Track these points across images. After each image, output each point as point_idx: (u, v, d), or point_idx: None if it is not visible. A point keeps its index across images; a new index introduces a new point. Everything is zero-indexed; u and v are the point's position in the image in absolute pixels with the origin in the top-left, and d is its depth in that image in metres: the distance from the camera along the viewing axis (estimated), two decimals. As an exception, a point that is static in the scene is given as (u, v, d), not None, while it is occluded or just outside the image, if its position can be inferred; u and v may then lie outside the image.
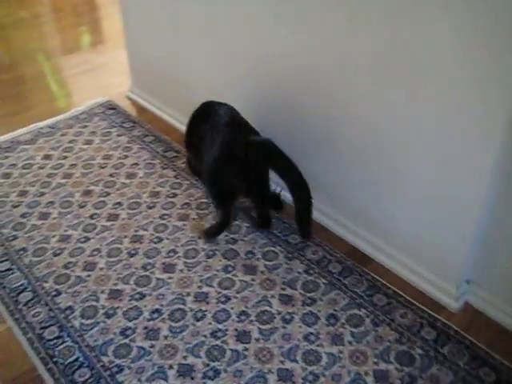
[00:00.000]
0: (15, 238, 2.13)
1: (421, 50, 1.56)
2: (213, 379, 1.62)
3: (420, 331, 1.75)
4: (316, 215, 2.16)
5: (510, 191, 1.59)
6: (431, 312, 1.82)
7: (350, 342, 1.72)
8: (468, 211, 1.65)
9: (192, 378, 1.62)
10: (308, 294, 1.87)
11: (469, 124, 1.53)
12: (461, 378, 1.61)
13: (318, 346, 1.71)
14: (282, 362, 1.66)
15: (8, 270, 2.00)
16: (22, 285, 1.94)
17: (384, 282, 1.92)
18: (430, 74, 1.56)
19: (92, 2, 4.85)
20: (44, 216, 2.23)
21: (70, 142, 2.69)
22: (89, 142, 2.68)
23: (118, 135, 2.73)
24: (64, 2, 4.81)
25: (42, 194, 2.35)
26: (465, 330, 1.76)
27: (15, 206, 2.29)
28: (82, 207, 2.27)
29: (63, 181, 2.43)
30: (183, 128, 2.71)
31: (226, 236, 2.10)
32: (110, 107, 2.98)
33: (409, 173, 1.78)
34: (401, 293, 1.88)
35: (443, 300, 1.85)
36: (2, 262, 2.03)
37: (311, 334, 1.75)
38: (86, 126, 2.81)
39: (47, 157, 2.59)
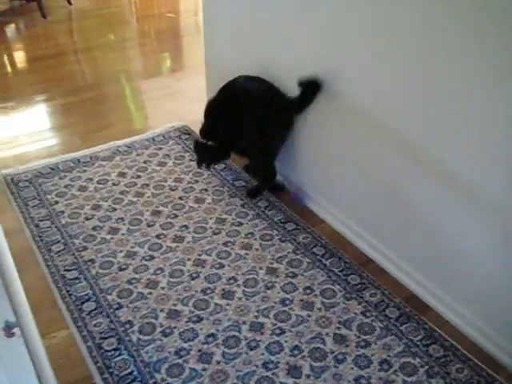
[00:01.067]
0: (85, 248, 2.23)
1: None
2: (261, 410, 1.64)
3: (477, 390, 1.71)
4: (377, 257, 2.17)
5: None
6: (489, 371, 1.77)
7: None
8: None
9: (240, 406, 1.65)
10: (363, 337, 1.86)
11: None
12: None
13: (368, 391, 1.70)
14: (330, 402, 1.66)
15: (75, 278, 2.09)
16: (87, 294, 2.02)
17: (442, 333, 1.89)
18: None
19: (176, 29, 5.07)
20: (114, 231, 2.33)
21: (145, 162, 2.80)
22: (162, 164, 2.79)
23: (191, 160, 2.82)
24: (150, 28, 5.05)
25: (114, 210, 2.45)
26: (524, 392, 1.70)
27: (88, 219, 2.39)
28: (150, 226, 2.36)
29: (135, 199, 2.53)
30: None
31: (287, 270, 2.12)
32: (186, 132, 3.09)
33: (472, 226, 1.76)
34: (458, 346, 1.84)
35: (504, 360, 1.80)
36: (71, 270, 2.13)
37: (362, 377, 1.73)
38: (160, 149, 2.92)
39: (122, 174, 2.70)
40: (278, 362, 1.77)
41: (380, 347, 1.83)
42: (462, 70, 1.63)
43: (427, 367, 1.77)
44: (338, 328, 1.89)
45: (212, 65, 3.02)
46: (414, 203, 1.96)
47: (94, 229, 2.34)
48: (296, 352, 1.81)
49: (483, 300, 1.83)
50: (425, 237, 1.97)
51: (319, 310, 1.96)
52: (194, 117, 3.23)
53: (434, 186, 1.85)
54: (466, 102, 1.65)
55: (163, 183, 2.64)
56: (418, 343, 1.85)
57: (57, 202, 2.49)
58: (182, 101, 3.51)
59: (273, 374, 1.74)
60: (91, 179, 2.67)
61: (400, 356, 1.81)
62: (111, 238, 2.28)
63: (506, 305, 1.75)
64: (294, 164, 2.53)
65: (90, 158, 2.84)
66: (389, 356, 1.80)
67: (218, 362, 1.77)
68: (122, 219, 2.39)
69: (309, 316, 1.94)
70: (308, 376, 1.73)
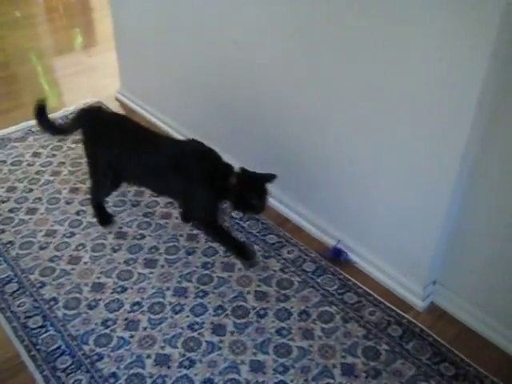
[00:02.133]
0: (3, 231, 2.21)
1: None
2: (188, 368, 1.71)
3: (387, 328, 1.85)
4: (292, 215, 2.27)
5: (473, 197, 1.69)
6: (399, 311, 1.91)
7: (319, 337, 1.81)
8: (433, 216, 1.75)
9: (168, 367, 1.71)
10: (282, 291, 1.97)
11: (434, 130, 1.62)
12: (423, 372, 1.71)
13: (289, 339, 1.80)
14: (254, 354, 1.75)
15: (-5, 261, 2.08)
16: (8, 276, 2.02)
17: (355, 281, 2.02)
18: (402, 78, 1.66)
19: (86, 3, 4.93)
20: (32, 211, 2.31)
21: (59, 140, 2.77)
22: (77, 142, 2.75)
23: (107, 135, 2.81)
24: (58, 2, 4.89)
25: (31, 190, 2.43)
26: (429, 328, 1.86)
27: (3, 202, 2.36)
28: (68, 204, 2.36)
29: (51, 178, 2.51)
30: (170, 131, 2.82)
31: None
32: (100, 108, 3.06)
33: (379, 179, 1.88)
34: (371, 292, 1.98)
35: (411, 300, 1.95)
36: (-11, 254, 2.11)
37: (283, 328, 1.84)
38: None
39: (36, 154, 2.67)
40: (203, 323, 1.85)
41: (299, 300, 1.94)
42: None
43: (343, 313, 1.90)
44: (259, 285, 1.99)
45: (122, 39, 3.00)
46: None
47: (10, 211, 2.31)
48: (219, 311, 1.89)
49: (392, 248, 1.96)
50: (336, 189, 2.08)
51: (239, 270, 2.05)
52: (108, 92, 3.22)
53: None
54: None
55: (80, 160, 2.62)
56: (334, 292, 1.97)
57: (-30, 187, 2.44)
58: (95, 77, 3.46)
59: (198, 334, 1.81)
60: (4, 161, 2.62)
61: (317, 306, 1.92)
62: (30, 219, 2.27)
63: (412, 251, 1.89)
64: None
65: (2, 139, 2.78)
66: (307, 307, 1.91)
67: (145, 328, 1.83)
68: (40, 199, 2.38)
69: (230, 277, 2.02)
70: (232, 332, 1.82)
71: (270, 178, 1.96)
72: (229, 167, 1.99)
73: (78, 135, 2.76)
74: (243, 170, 1.97)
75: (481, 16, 1.38)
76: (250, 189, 1.94)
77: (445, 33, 1.47)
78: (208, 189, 1.95)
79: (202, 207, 2.01)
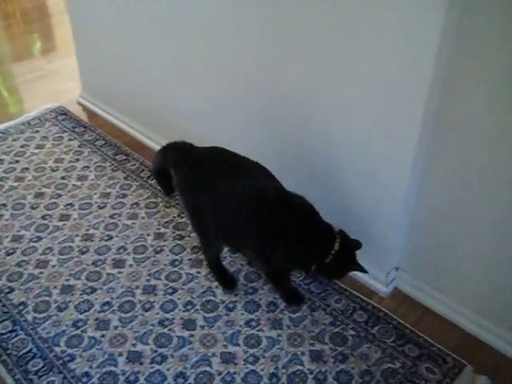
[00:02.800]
0: (-33, 239, 2.20)
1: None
2: (160, 364, 1.74)
3: (352, 314, 1.91)
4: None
5: (431, 183, 1.76)
6: (363, 297, 1.98)
7: (288, 326, 1.86)
8: (393, 203, 1.81)
9: (141, 364, 1.74)
10: (250, 284, 2.01)
11: (391, 100, 1.65)
12: (388, 354, 1.77)
13: (258, 330, 1.84)
14: (224, 346, 1.79)
15: (-39, 269, 2.07)
16: (-25, 283, 2.02)
17: (321, 271, 2.07)
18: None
19: (43, 9, 4.88)
20: (-4, 218, 2.31)
21: (22, 146, 2.76)
22: (40, 147, 2.76)
23: (70, 140, 2.81)
24: (15, 8, 4.83)
25: (-5, 197, 2.42)
26: (393, 312, 1.92)
27: (-33, 210, 2.35)
28: (34, 208, 2.35)
29: (15, 184, 2.50)
30: (133, 132, 2.84)
31: (173, 233, 2.22)
32: (62, 113, 3.06)
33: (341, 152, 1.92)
34: (336, 281, 2.03)
35: (375, 286, 2.01)
36: (-45, 262, 2.10)
37: (252, 320, 1.88)
38: (37, 132, 2.88)
39: (-1, 161, 2.66)
40: (173, 319, 1.88)
41: (266, 291, 1.98)
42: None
43: (310, 303, 1.95)
44: (227, 279, 2.02)
45: (81, 42, 3.00)
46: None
47: (-26, 218, 2.30)
48: (189, 307, 1.92)
49: (355, 236, 2.01)
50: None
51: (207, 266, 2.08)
52: (70, 97, 3.22)
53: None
54: None
55: (43, 165, 2.62)
56: (301, 283, 2.02)
57: None
58: (55, 82, 3.45)
59: (169, 329, 1.84)
60: (-34, 169, 2.60)
61: (285, 297, 1.97)
62: (-5, 226, 2.27)
63: (374, 239, 1.94)
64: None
65: (-37, 148, 2.76)
66: (275, 298, 1.95)
67: (116, 327, 1.85)
68: (4, 205, 2.37)
69: (198, 273, 2.05)
70: (202, 327, 1.85)
71: (359, 245, 1.83)
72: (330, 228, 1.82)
73: (41, 140, 2.78)
74: (342, 234, 1.82)
75: None
76: (350, 258, 1.83)
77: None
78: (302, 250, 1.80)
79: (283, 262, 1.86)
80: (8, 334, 1.83)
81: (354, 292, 1.99)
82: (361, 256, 1.94)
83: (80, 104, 3.18)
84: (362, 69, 1.67)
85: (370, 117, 1.73)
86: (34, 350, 1.78)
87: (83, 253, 2.13)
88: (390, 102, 1.64)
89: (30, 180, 2.53)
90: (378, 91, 1.66)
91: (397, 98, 1.62)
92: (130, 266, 2.08)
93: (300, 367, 1.73)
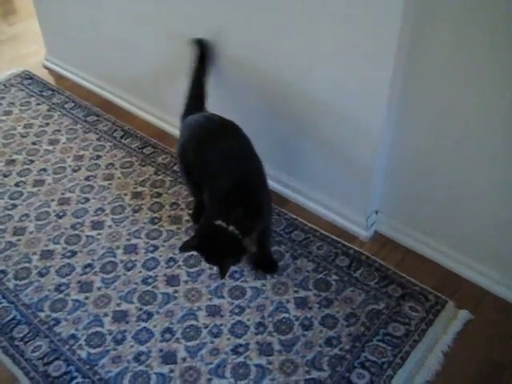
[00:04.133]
0: None
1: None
2: (146, 321, 1.74)
3: (335, 260, 1.92)
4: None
5: (406, 126, 1.75)
6: (345, 242, 1.99)
7: (271, 276, 1.87)
8: (371, 145, 1.80)
9: (127, 322, 1.74)
10: (231, 237, 2.00)
11: (363, 51, 1.65)
12: (372, 296, 1.79)
13: (242, 281, 1.85)
14: (209, 299, 1.80)
15: None
16: (-49, 255, 1.98)
17: (301, 219, 2.08)
18: None
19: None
20: (-32, 188, 2.26)
21: (-11, 114, 2.69)
22: (8, 113, 2.68)
23: (38, 104, 2.74)
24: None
25: (-36, 167, 2.36)
26: (375, 255, 1.94)
27: None
28: (6, 176, 2.30)
29: (-16, 153, 2.44)
30: (103, 93, 2.77)
31: (151, 191, 2.20)
32: (27, 77, 2.97)
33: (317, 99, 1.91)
34: (317, 228, 2.04)
35: (355, 231, 2.02)
36: None
37: (236, 271, 1.88)
38: (3, 98, 2.80)
39: (-33, 130, 2.59)
40: (156, 276, 1.88)
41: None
42: None
43: (292, 251, 1.95)
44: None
45: (42, 2, 2.89)
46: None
47: None
48: (171, 263, 1.92)
49: (331, 181, 2.01)
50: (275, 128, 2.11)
51: (187, 221, 2.07)
52: (35, 60, 3.12)
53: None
54: None
55: (13, 132, 2.56)
56: (281, 232, 2.02)
57: None
58: (18, 46, 3.33)
59: (153, 287, 1.84)
60: None
61: (267, 247, 1.97)
62: (-33, 196, 2.22)
63: (352, 183, 1.95)
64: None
65: None
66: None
67: (99, 288, 1.84)
68: (-25, 175, 2.32)
69: (178, 229, 2.04)
70: (186, 282, 1.85)
71: None
72: None
73: (8, 106, 2.70)
74: None
75: None
76: None
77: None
78: None
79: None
80: (-10, 303, 1.82)
81: (335, 238, 2.00)
82: (340, 201, 1.95)
83: (46, 67, 3.08)
84: (332, 11, 1.63)
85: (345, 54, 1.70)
86: (18, 316, 1.77)
87: (60, 217, 2.10)
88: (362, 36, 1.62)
89: (-1, 148, 2.47)
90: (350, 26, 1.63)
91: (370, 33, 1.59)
92: (109, 226, 2.06)
93: (286, 315, 1.75)
